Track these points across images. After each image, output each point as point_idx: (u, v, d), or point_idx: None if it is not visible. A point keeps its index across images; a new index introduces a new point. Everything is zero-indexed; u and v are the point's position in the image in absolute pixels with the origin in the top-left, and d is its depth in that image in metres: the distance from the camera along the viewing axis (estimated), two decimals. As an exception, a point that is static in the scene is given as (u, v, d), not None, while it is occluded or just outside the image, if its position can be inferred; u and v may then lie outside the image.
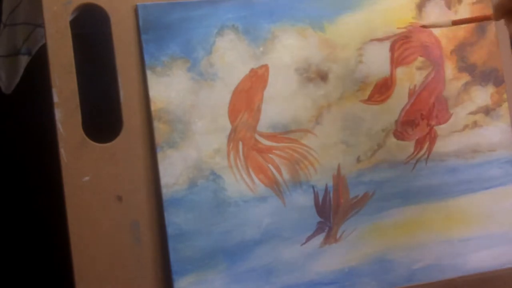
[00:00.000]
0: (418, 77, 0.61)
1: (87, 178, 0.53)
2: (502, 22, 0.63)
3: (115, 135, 0.54)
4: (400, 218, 0.59)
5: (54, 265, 0.69)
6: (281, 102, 0.57)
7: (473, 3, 0.62)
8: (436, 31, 0.61)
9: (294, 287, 0.56)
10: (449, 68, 0.62)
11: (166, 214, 0.54)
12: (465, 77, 0.62)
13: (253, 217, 0.56)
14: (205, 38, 0.55)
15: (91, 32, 0.62)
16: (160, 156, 0.54)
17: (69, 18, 0.53)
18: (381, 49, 0.60)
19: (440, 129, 0.61)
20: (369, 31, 0.59)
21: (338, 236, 0.58)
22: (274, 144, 0.57)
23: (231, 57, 0.56)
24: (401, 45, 0.60)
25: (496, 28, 0.63)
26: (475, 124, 0.62)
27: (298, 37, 0.58)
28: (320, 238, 0.57)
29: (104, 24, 0.54)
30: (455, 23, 0.58)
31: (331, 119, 0.58)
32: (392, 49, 0.60)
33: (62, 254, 0.54)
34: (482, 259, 0.60)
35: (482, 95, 0.62)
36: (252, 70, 0.56)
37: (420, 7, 0.61)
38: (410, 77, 0.60)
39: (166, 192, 0.54)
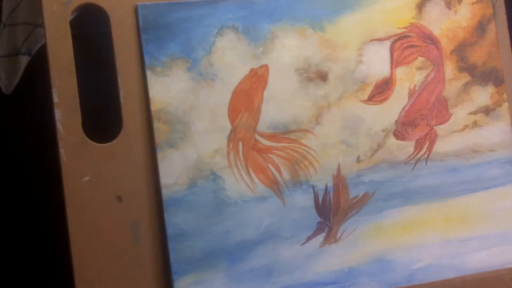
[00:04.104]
0: (418, 77, 0.61)
1: (87, 178, 0.53)
2: (502, 21, 0.64)
3: (115, 135, 0.54)
4: (400, 218, 0.59)
5: (54, 265, 0.70)
6: (281, 102, 0.57)
7: (473, 3, 0.62)
8: (436, 31, 0.61)
9: (294, 287, 0.56)
10: (449, 68, 0.62)
11: (166, 214, 0.54)
12: (465, 77, 0.62)
13: (253, 217, 0.56)
14: (205, 38, 0.55)
15: (91, 32, 0.62)
16: (160, 156, 0.54)
17: (69, 18, 0.53)
18: (381, 49, 0.60)
19: (440, 129, 0.61)
20: (369, 31, 0.59)
21: (338, 236, 0.58)
22: (274, 144, 0.57)
23: (231, 57, 0.56)
24: (401, 45, 0.60)
25: (496, 28, 0.63)
26: (475, 124, 0.62)
27: (298, 37, 0.58)
28: (320, 238, 0.57)
29: (104, 24, 0.54)
30: None
31: (331, 119, 0.58)
32: (392, 49, 0.60)
33: (62, 254, 0.54)
34: (481, 259, 0.60)
35: (482, 95, 0.62)
36: (252, 70, 0.56)
37: (420, 7, 0.61)
38: (410, 77, 0.60)
39: (166, 192, 0.54)
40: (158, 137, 0.54)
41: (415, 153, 0.60)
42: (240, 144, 0.56)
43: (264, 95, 0.57)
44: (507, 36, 0.64)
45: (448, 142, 0.61)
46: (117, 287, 0.53)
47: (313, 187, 0.57)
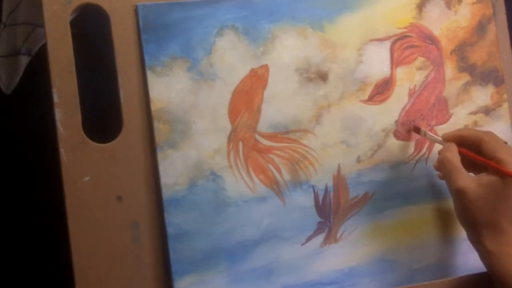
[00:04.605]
0: (418, 77, 0.61)
1: (87, 178, 0.53)
2: (502, 21, 0.64)
3: (115, 135, 0.54)
4: (400, 218, 0.59)
5: (54, 265, 0.70)
6: (281, 102, 0.57)
7: (473, 3, 0.62)
8: (436, 31, 0.61)
9: (294, 287, 0.56)
10: (449, 68, 0.62)
11: (166, 214, 0.54)
12: (465, 77, 0.62)
13: (253, 217, 0.56)
14: (205, 38, 0.55)
15: (91, 32, 0.62)
16: (160, 156, 0.54)
17: (69, 18, 0.53)
18: (381, 49, 0.60)
19: (440, 129, 0.61)
20: (369, 31, 0.59)
21: (338, 236, 0.58)
22: (274, 144, 0.57)
23: (231, 57, 0.56)
24: (401, 45, 0.60)
25: (496, 28, 0.63)
26: (475, 124, 0.62)
27: (298, 37, 0.58)
28: (320, 238, 0.57)
29: (104, 24, 0.54)
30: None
31: (331, 119, 0.58)
32: (392, 49, 0.60)
33: (62, 254, 0.54)
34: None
35: (482, 95, 0.62)
36: (252, 70, 0.56)
37: (420, 7, 0.61)
38: (410, 77, 0.60)
39: (166, 192, 0.54)
40: (158, 137, 0.54)
41: (415, 153, 0.60)
42: (240, 144, 0.56)
43: (264, 95, 0.57)
44: (507, 36, 0.64)
45: (448, 142, 0.61)
46: (117, 287, 0.53)
47: (313, 187, 0.57)
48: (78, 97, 0.53)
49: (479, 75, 0.62)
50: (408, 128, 0.60)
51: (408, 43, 0.61)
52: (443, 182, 0.59)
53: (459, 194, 0.53)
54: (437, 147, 0.60)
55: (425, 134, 0.59)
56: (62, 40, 0.53)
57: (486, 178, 0.53)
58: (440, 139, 0.58)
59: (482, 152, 0.55)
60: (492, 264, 0.53)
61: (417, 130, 0.59)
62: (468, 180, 0.53)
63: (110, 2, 0.54)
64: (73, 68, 0.53)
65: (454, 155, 0.55)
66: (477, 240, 0.54)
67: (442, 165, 0.56)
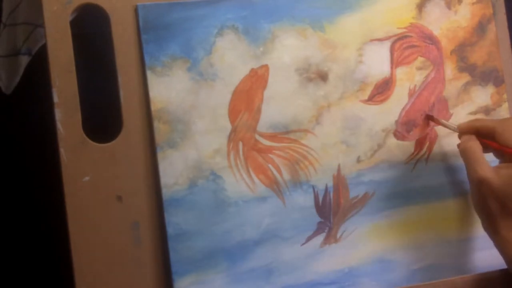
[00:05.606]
0: (418, 77, 0.61)
1: (87, 178, 0.53)
2: (502, 21, 0.64)
3: (115, 135, 0.54)
4: (400, 218, 0.59)
5: (54, 265, 0.70)
6: (281, 102, 0.57)
7: (473, 3, 0.63)
8: (436, 31, 0.61)
9: (294, 287, 0.56)
10: (449, 68, 0.62)
11: (166, 214, 0.54)
12: (465, 77, 0.62)
13: (253, 217, 0.56)
14: (205, 38, 0.55)
15: (91, 32, 0.62)
16: (160, 156, 0.54)
17: (69, 18, 0.53)
18: (381, 49, 0.60)
19: (440, 129, 0.61)
20: (369, 31, 0.59)
21: (338, 236, 0.58)
22: (274, 144, 0.57)
23: (231, 57, 0.56)
24: (401, 45, 0.60)
25: (496, 28, 0.63)
26: (475, 124, 0.62)
27: (298, 37, 0.58)
28: (320, 238, 0.57)
29: (104, 24, 0.54)
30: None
31: (331, 119, 0.58)
32: (392, 49, 0.60)
33: (62, 254, 0.54)
34: (482, 259, 0.60)
35: (482, 95, 0.62)
36: (252, 70, 0.56)
37: (420, 7, 0.61)
38: (410, 77, 0.60)
39: (166, 192, 0.54)
40: (158, 137, 0.54)
41: (415, 153, 0.60)
42: (240, 144, 0.56)
43: (264, 95, 0.57)
44: (507, 36, 0.64)
45: (448, 142, 0.61)
46: (117, 287, 0.53)
47: (313, 187, 0.57)
48: (78, 97, 0.53)
49: (479, 75, 0.62)
50: (408, 128, 0.60)
51: (408, 43, 0.61)
52: (443, 182, 0.59)
53: (480, 184, 0.53)
54: (437, 147, 0.60)
55: (439, 121, 0.59)
56: (62, 40, 0.53)
57: (504, 169, 0.53)
58: (455, 126, 0.58)
59: (496, 142, 0.55)
60: (508, 252, 0.53)
61: (430, 118, 0.60)
62: (488, 170, 0.53)
63: (110, 2, 0.54)
64: (73, 68, 0.53)
65: (476, 145, 0.55)
66: (493, 229, 0.54)
67: (464, 154, 0.56)
